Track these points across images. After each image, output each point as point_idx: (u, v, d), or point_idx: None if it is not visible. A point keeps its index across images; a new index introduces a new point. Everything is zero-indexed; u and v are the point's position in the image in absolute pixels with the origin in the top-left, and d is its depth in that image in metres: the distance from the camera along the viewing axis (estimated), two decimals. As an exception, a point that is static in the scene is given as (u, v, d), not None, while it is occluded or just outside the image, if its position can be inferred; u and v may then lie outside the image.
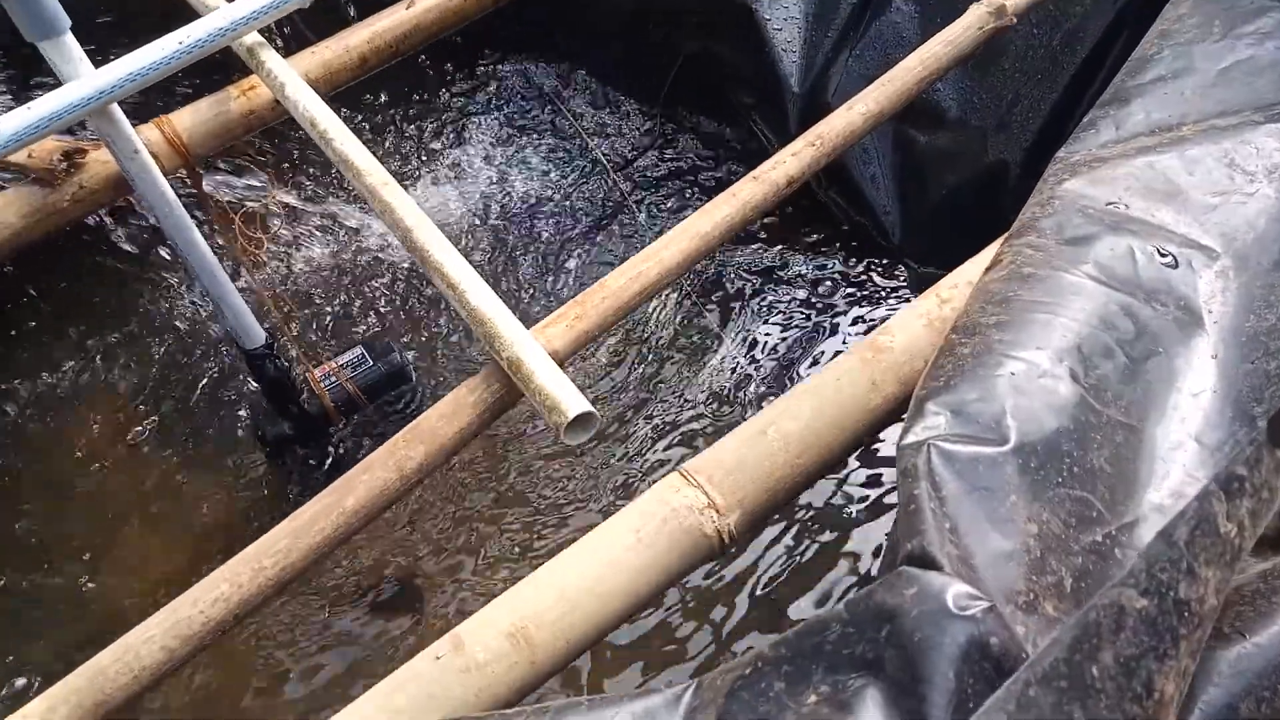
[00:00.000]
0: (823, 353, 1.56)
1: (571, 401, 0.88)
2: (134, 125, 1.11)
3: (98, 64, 1.06)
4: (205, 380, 1.52)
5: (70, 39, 1.05)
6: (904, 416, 0.70)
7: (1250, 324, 0.72)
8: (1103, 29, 1.38)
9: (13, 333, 1.53)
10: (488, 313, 0.95)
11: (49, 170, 1.18)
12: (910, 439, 0.62)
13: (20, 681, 1.22)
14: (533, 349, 0.92)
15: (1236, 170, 0.82)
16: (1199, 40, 0.95)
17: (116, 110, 1.10)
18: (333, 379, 1.42)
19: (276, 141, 1.68)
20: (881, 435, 0.90)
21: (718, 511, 0.78)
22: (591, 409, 0.88)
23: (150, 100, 1.47)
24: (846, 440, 0.82)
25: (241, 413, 1.49)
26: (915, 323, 0.87)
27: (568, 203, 1.77)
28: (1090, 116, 0.94)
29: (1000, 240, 0.89)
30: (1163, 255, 0.76)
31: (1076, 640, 0.45)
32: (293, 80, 1.17)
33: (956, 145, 1.52)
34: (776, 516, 1.35)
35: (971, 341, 0.70)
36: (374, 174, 1.08)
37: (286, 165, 1.69)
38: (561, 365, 0.94)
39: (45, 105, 1.02)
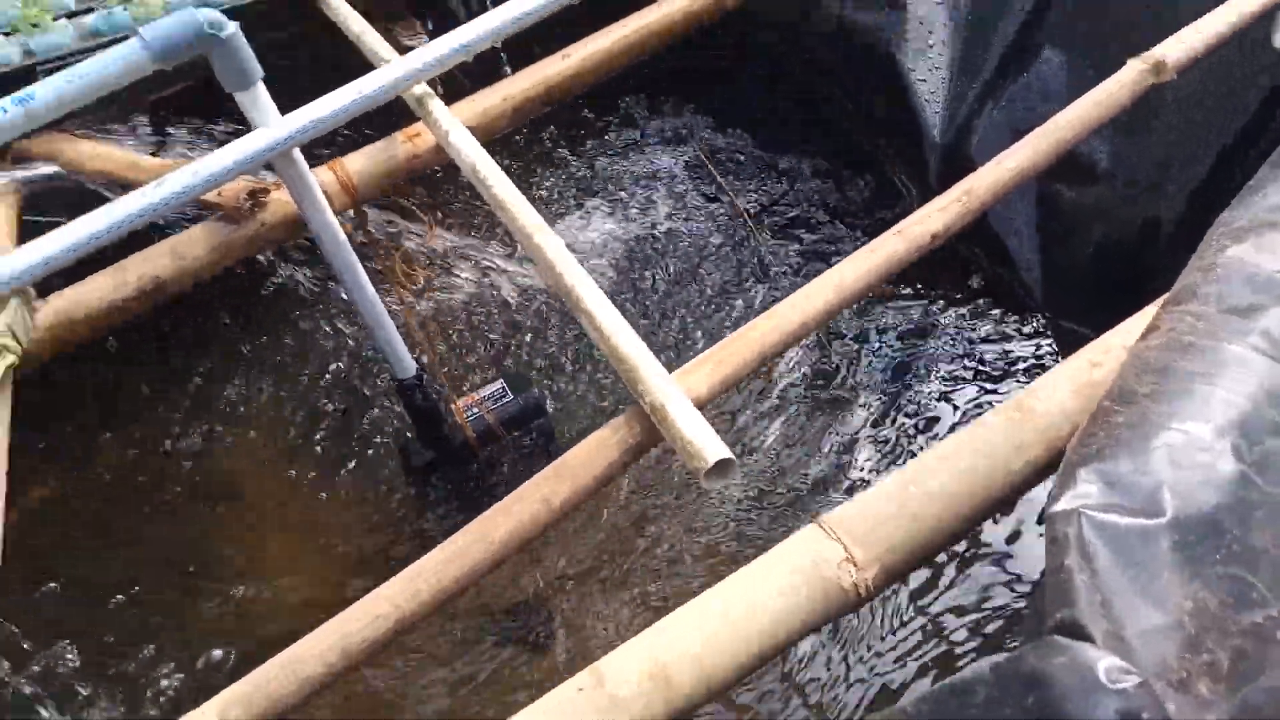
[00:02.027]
0: (955, 407, 1.54)
1: (712, 448, 0.90)
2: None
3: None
4: (358, 407, 1.61)
5: (262, 88, 1.14)
6: (1050, 481, 0.69)
7: None
8: (1268, 88, 1.33)
9: (179, 354, 1.65)
10: (633, 357, 0.98)
11: (236, 208, 1.29)
12: (1061, 506, 0.62)
13: (217, 653, 1.32)
14: (676, 395, 0.95)
15: None
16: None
17: (297, 153, 1.19)
18: (475, 410, 1.48)
19: (430, 185, 1.78)
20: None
21: (855, 565, 0.79)
22: (731, 456, 0.90)
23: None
24: (988, 502, 0.82)
25: (388, 440, 1.57)
26: (1063, 386, 0.86)
27: (697, 248, 1.80)
28: (1257, 178, 0.92)
29: (1156, 305, 0.87)
30: (1336, 329, 0.73)
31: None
32: (456, 128, 1.24)
33: (1105, 201, 1.48)
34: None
35: (1126, 410, 0.69)
36: (528, 219, 1.13)
37: (441, 207, 1.79)
38: (701, 410, 0.97)
39: (240, 148, 1.11)
